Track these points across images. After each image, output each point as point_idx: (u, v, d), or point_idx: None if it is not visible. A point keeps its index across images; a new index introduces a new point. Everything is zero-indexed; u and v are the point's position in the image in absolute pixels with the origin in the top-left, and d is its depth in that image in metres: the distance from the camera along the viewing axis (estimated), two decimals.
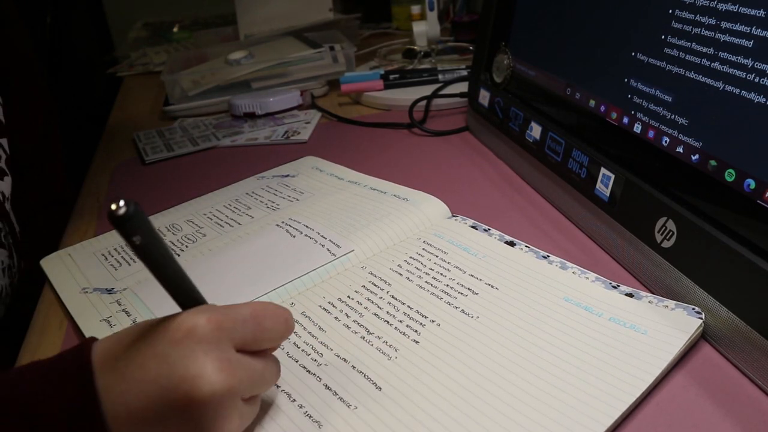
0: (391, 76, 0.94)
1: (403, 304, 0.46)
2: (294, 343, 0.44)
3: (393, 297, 0.47)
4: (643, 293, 0.43)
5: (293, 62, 1.00)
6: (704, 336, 0.41)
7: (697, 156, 0.43)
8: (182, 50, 1.30)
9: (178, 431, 0.31)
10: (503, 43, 0.70)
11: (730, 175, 0.40)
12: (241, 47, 1.05)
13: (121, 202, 0.29)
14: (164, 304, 0.49)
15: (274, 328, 0.35)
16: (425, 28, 1.06)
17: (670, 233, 0.43)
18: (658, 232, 0.44)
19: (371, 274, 0.51)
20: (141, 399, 0.31)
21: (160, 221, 0.64)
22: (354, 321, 0.45)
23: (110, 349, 0.32)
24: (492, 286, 0.47)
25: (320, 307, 0.48)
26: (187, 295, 0.34)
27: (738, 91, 0.39)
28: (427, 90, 0.89)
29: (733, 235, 0.39)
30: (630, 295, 0.43)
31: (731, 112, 0.40)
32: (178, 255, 0.57)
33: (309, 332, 0.45)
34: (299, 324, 0.46)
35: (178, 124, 0.93)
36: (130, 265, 0.56)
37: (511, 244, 0.51)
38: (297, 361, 0.42)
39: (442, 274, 0.49)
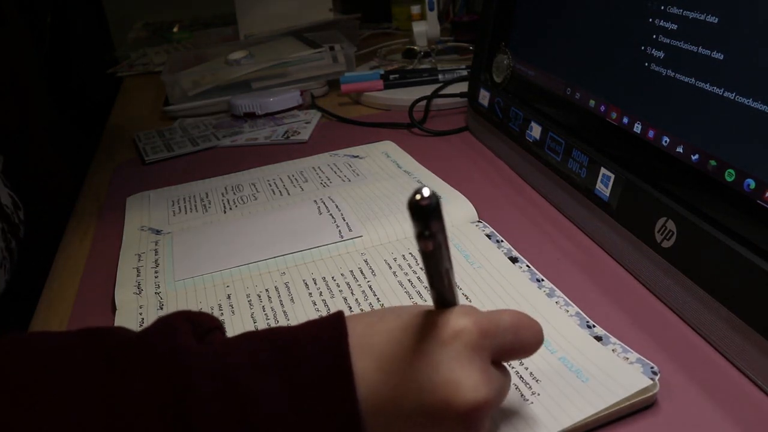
0: (391, 76, 0.94)
1: (374, 296, 0.48)
2: (263, 306, 0.48)
3: (369, 287, 0.49)
4: (613, 339, 0.40)
5: (293, 62, 1.00)
6: (703, 336, 0.41)
7: (696, 156, 0.43)
8: (182, 50, 1.30)
9: None
10: (503, 43, 0.70)
11: (729, 175, 0.40)
12: (241, 47, 1.05)
13: (425, 191, 0.27)
14: (187, 255, 0.55)
15: (529, 342, 0.34)
16: (425, 28, 1.05)
17: (670, 233, 0.43)
18: (658, 232, 0.44)
19: (365, 261, 0.52)
20: (396, 391, 0.30)
21: (227, 181, 0.71)
22: (322, 300, 0.48)
23: (369, 339, 0.31)
24: (467, 298, 0.47)
25: (303, 281, 0.51)
26: (450, 294, 0.32)
27: (738, 91, 0.39)
28: (427, 90, 0.88)
29: (733, 235, 0.39)
30: (599, 338, 0.41)
31: (731, 112, 0.40)
32: (225, 213, 0.63)
33: (280, 300, 0.49)
34: (276, 292, 0.50)
35: (178, 124, 0.93)
36: (186, 213, 0.64)
37: (514, 260, 0.50)
38: (255, 323, 0.46)
39: None
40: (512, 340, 0.33)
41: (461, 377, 0.30)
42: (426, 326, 0.31)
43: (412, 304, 0.46)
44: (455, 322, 0.31)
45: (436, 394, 0.30)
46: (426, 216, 0.27)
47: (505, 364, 0.35)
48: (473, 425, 0.30)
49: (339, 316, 0.32)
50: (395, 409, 0.30)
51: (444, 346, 0.30)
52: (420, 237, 0.28)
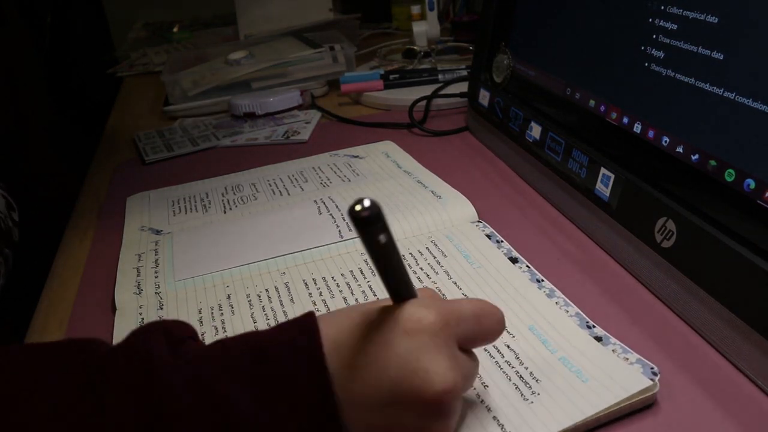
0: (391, 76, 0.94)
1: (374, 296, 0.48)
2: (262, 307, 0.48)
3: (369, 287, 0.49)
4: (613, 339, 0.40)
5: (293, 62, 1.00)
6: (704, 336, 0.41)
7: (696, 156, 0.43)
8: (182, 50, 1.30)
9: (400, 422, 0.31)
10: (503, 43, 0.70)
11: (729, 175, 0.40)
12: (241, 47, 1.05)
13: (366, 202, 0.27)
14: (187, 255, 0.55)
15: (491, 329, 0.35)
16: (425, 28, 1.05)
17: (670, 233, 0.43)
18: (658, 232, 0.44)
19: (365, 261, 0.52)
20: (369, 386, 0.31)
21: (227, 181, 0.71)
22: (322, 299, 0.48)
23: (336, 337, 0.32)
24: (466, 298, 0.47)
25: (303, 281, 0.51)
26: (405, 290, 0.33)
27: (738, 91, 0.39)
28: (427, 90, 0.88)
29: (733, 235, 0.39)
30: (599, 338, 0.41)
31: (731, 112, 0.40)
32: (225, 213, 0.63)
33: (280, 301, 0.49)
34: (276, 292, 0.50)
35: (178, 124, 0.93)
36: (186, 213, 0.64)
37: (514, 260, 0.50)
38: (255, 323, 0.46)
39: (428, 275, 0.49)
40: (475, 328, 0.34)
41: (429, 366, 0.30)
42: (390, 319, 0.32)
43: None
44: (418, 313, 0.32)
45: (405, 385, 0.30)
46: (366, 227, 0.28)
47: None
48: (445, 410, 0.31)
49: (310, 318, 0.32)
50: (367, 402, 0.31)
51: (409, 336, 0.31)
52: (365, 247, 0.29)
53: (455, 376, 0.31)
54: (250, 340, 0.32)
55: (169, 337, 0.32)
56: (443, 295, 0.47)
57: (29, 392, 0.29)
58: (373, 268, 0.32)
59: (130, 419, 0.28)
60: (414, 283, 0.34)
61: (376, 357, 0.31)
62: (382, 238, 0.29)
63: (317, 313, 0.33)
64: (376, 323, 0.32)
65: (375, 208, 0.28)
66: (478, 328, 0.34)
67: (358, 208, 0.27)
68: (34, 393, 0.29)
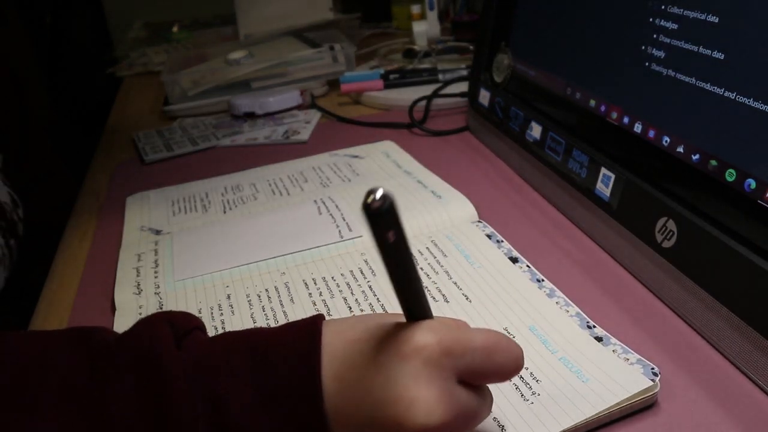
0: (391, 76, 0.94)
1: (375, 296, 0.48)
2: (262, 306, 0.48)
3: (370, 287, 0.49)
4: (613, 340, 0.40)
5: (293, 62, 1.00)
6: (704, 336, 0.41)
7: (697, 156, 0.42)
8: (182, 50, 1.30)
9: None
10: (503, 43, 0.70)
11: (730, 175, 0.40)
12: (241, 47, 1.05)
13: (379, 193, 0.26)
14: (187, 255, 0.55)
15: (504, 365, 0.32)
16: (425, 28, 1.06)
17: (671, 233, 0.43)
18: (659, 232, 0.44)
19: (365, 261, 0.52)
20: (352, 404, 0.29)
21: (227, 181, 0.71)
22: (322, 300, 0.48)
23: (335, 348, 0.31)
24: (467, 298, 0.46)
25: (303, 281, 0.51)
26: (418, 306, 0.31)
27: (738, 91, 0.39)
28: (427, 90, 0.88)
29: (733, 234, 0.38)
30: (599, 338, 0.40)
31: (731, 112, 0.40)
32: (225, 213, 0.63)
33: (280, 301, 0.49)
34: (276, 292, 0.49)
35: (177, 123, 0.93)
36: (186, 213, 0.64)
37: (514, 260, 0.50)
38: (255, 323, 0.46)
39: (428, 275, 0.49)
40: (483, 362, 0.31)
41: (416, 396, 0.28)
42: (390, 340, 0.30)
43: None
44: (419, 337, 0.30)
45: (387, 411, 0.29)
46: (378, 220, 0.26)
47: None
48: None
49: (316, 324, 0.32)
50: (349, 420, 0.30)
51: (403, 361, 0.29)
52: (376, 243, 0.27)
53: (444, 412, 0.28)
54: (255, 337, 0.32)
55: (174, 327, 0.32)
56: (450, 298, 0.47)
57: (35, 376, 0.30)
58: (387, 274, 0.29)
59: (132, 406, 0.29)
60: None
61: (365, 376, 0.29)
62: (392, 235, 0.27)
63: (328, 314, 0.33)
64: (376, 341, 0.30)
65: (387, 200, 0.26)
66: (487, 362, 0.31)
67: (369, 199, 0.26)
68: (40, 377, 0.29)
